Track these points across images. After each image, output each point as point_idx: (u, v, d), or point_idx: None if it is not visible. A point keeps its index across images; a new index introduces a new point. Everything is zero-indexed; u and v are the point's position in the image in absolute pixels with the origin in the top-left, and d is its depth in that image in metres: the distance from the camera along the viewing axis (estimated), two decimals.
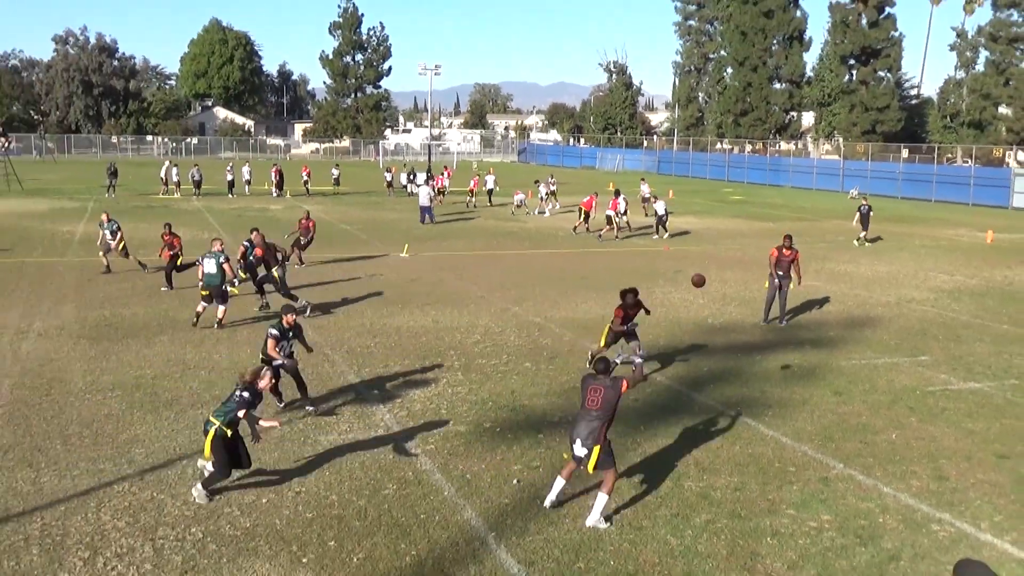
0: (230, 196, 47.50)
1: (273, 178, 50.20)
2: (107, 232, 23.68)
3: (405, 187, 51.98)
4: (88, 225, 34.17)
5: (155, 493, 9.75)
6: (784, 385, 14.33)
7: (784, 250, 18.66)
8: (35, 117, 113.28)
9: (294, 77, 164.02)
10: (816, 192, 64.35)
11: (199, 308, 17.71)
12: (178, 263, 21.46)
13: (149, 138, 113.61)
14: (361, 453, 11.03)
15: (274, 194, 49.13)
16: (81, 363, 14.79)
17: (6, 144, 57.19)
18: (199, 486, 9.60)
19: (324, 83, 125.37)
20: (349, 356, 15.57)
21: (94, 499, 9.56)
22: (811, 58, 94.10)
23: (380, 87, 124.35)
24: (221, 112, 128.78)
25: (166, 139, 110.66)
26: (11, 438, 11.30)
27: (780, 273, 18.68)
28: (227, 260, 17.61)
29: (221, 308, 17.42)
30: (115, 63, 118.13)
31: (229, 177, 49.16)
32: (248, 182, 51.27)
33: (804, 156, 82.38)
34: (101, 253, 23.83)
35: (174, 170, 50.16)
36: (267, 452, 10.88)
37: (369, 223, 37.18)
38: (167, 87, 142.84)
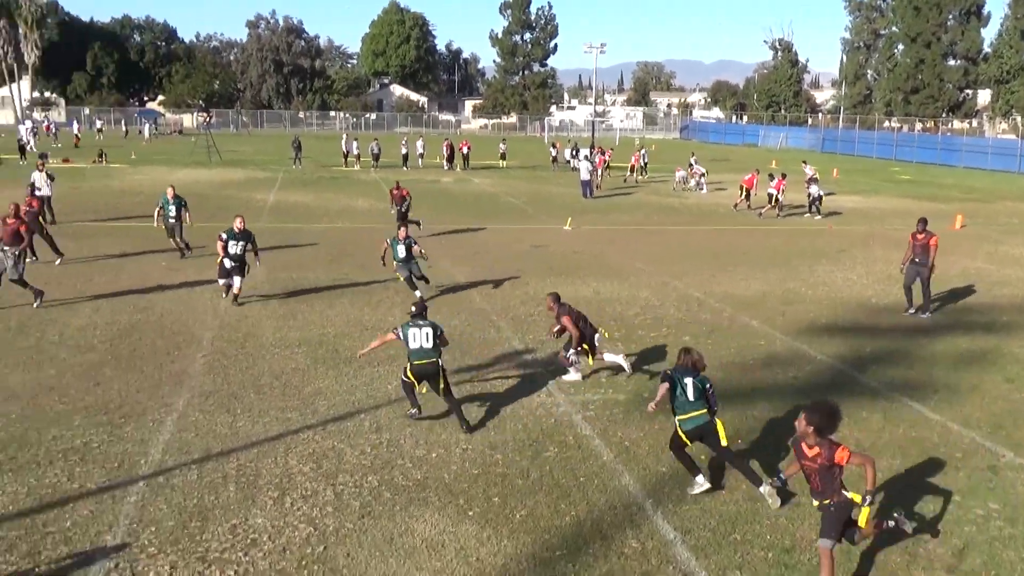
0: (404, 168, 48.83)
1: (444, 152, 51.32)
2: (172, 209, 21.24)
3: (568, 162, 52.02)
4: (279, 194, 35.88)
5: (336, 442, 10.19)
6: (952, 370, 13.57)
7: (918, 234, 16.92)
8: (233, 93, 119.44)
9: (464, 56, 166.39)
10: (990, 173, 60.31)
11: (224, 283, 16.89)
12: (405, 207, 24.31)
13: (332, 113, 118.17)
14: (524, 416, 11.18)
15: (445, 167, 50.19)
16: (271, 320, 15.59)
17: (208, 119, 60.49)
18: None
19: (493, 61, 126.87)
20: (514, 323, 15.77)
21: (282, 444, 10.09)
22: (989, 33, 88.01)
23: (547, 65, 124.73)
24: (397, 89, 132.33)
25: (347, 114, 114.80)
26: (211, 385, 12.06)
27: (917, 259, 16.91)
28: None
29: (238, 281, 16.71)
30: (302, 43, 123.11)
31: (404, 151, 50.67)
32: (421, 155, 52.55)
33: (978, 135, 77.26)
34: (170, 236, 21.50)
35: (354, 143, 51.97)
36: (436, 410, 11.18)
37: (534, 196, 37.42)
38: (348, 66, 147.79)
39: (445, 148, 51.42)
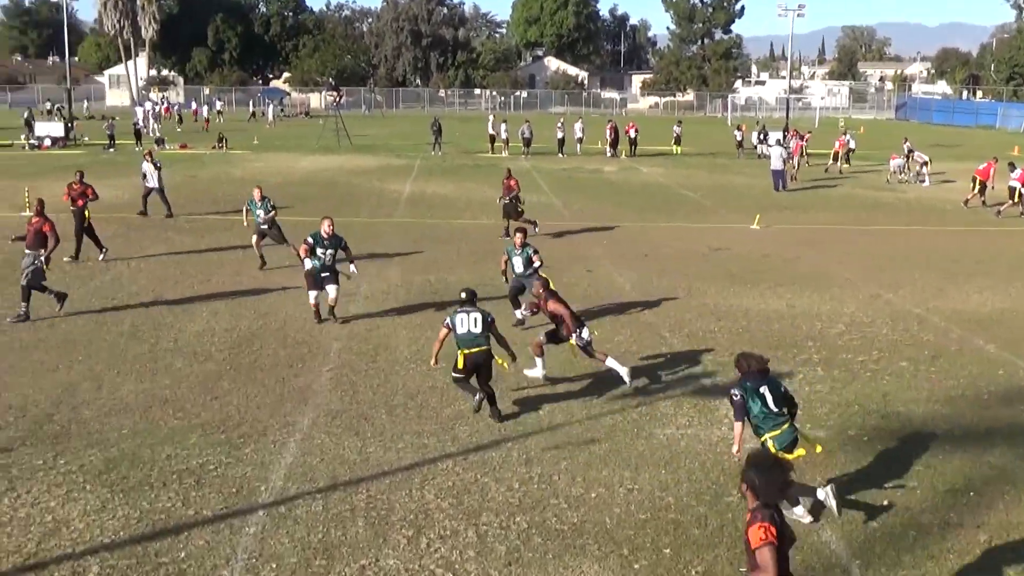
0: (560, 155, 49.13)
1: (608, 135, 51.24)
2: (260, 213, 21.09)
3: (756, 148, 51.10)
4: (416, 184, 36.79)
5: (479, 475, 10.32)
6: None
7: None
8: (365, 70, 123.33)
9: (632, 23, 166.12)
10: None
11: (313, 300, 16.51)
12: None
13: (477, 91, 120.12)
14: (702, 452, 11.02)
15: (608, 153, 50.17)
16: (406, 331, 15.95)
17: (338, 99, 62.61)
18: None
19: (667, 28, 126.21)
20: (689, 340, 15.59)
21: (418, 475, 10.29)
22: None
23: (731, 32, 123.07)
24: (552, 62, 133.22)
25: (494, 92, 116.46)
26: (339, 404, 12.45)
27: None
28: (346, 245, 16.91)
29: (334, 291, 16.39)
30: (444, 11, 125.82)
31: (560, 134, 50.81)
32: (580, 140, 52.64)
33: None
34: (254, 240, 21.08)
35: (502, 126, 52.57)
36: (596, 443, 11.15)
37: (714, 189, 36.95)
38: (496, 36, 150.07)
39: (609, 132, 51.38)
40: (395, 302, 17.90)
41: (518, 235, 16.95)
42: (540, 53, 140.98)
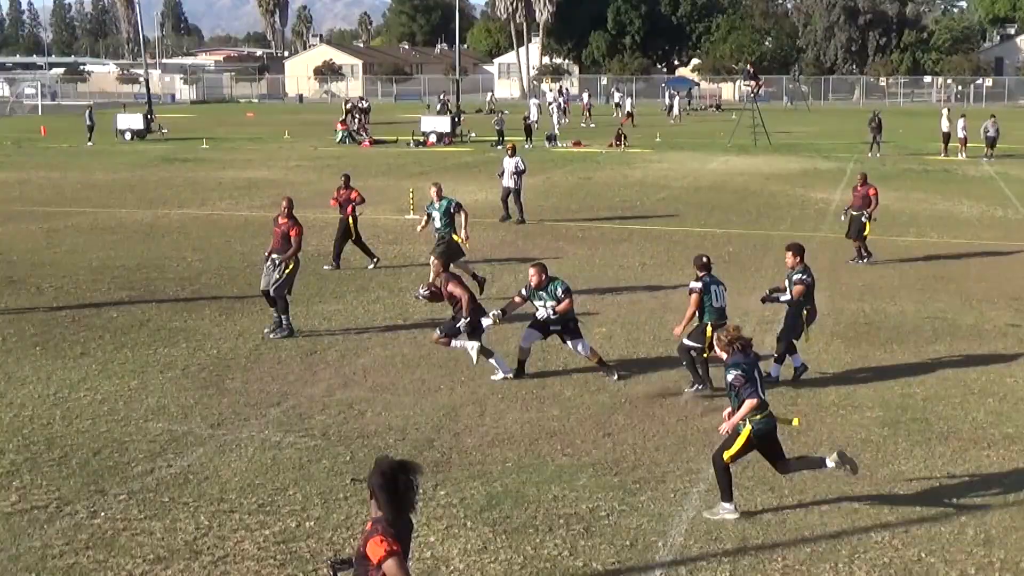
0: None
1: None
2: (437, 218, 21.12)
3: None
4: (846, 192, 35.94)
5: (923, 553, 9.86)
6: None
7: None
8: (789, 54, 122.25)
9: None
10: None
11: None
12: None
13: (927, 79, 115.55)
14: None
15: None
16: (832, 367, 15.62)
17: (756, 89, 62.52)
18: None
19: None
20: None
21: (846, 546, 9.99)
22: None
23: None
24: None
25: (949, 80, 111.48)
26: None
27: None
28: None
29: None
30: None
31: None
32: None
33: None
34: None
35: (960, 121, 50.21)
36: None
37: None
38: (955, 11, 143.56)
39: None
40: (822, 335, 17.39)
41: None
42: (1011, 32, 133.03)
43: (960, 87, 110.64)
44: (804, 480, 11.50)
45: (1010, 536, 10.21)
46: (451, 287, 15.10)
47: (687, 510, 10.79)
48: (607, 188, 37.37)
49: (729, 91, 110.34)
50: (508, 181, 28.84)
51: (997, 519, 10.60)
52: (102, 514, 10.48)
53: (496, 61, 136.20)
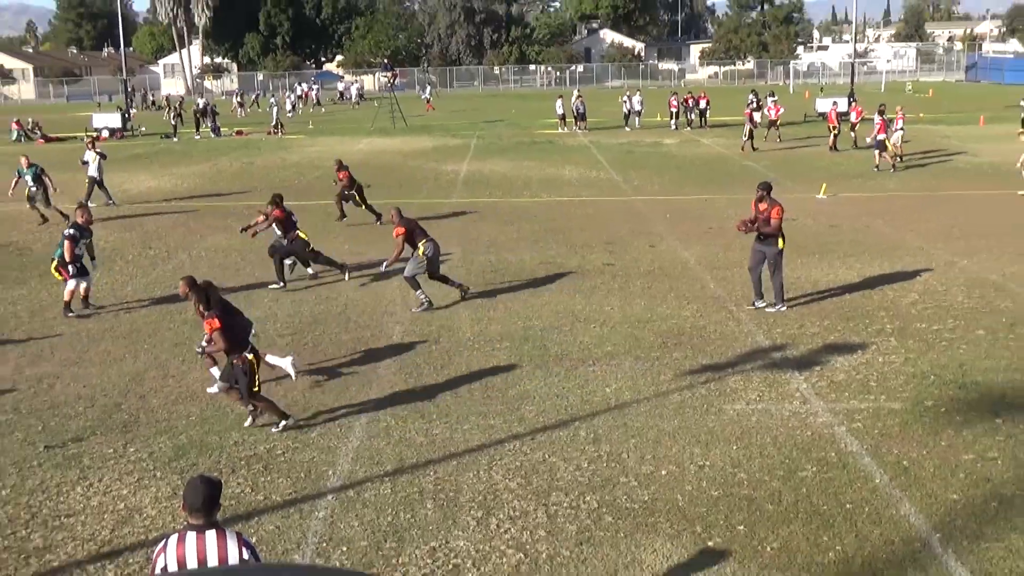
0: (626, 128, 49.40)
1: (677, 106, 51.18)
2: (28, 178, 24.35)
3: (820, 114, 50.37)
4: (472, 164, 36.81)
5: (547, 455, 10.36)
6: None
7: None
8: (418, 49, 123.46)
9: None
10: None
11: None
12: None
13: (532, 67, 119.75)
14: (773, 427, 10.94)
15: (671, 126, 49.85)
16: (468, 311, 16.03)
17: (392, 79, 62.81)
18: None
19: None
20: (757, 313, 15.46)
21: (485, 456, 10.36)
22: None
23: None
24: (608, 35, 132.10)
25: (549, 68, 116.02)
26: (403, 385, 12.55)
27: None
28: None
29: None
30: None
31: (625, 108, 51.29)
32: (638, 112, 52.30)
33: None
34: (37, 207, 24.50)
35: (558, 101, 52.39)
36: (665, 420, 11.14)
37: (779, 159, 36.48)
38: (551, 10, 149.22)
39: (681, 101, 51.42)
40: (464, 281, 17.84)
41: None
42: (596, 26, 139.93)
43: (558, 73, 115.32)
44: (448, 405, 11.81)
45: (613, 433, 10.87)
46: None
47: (352, 441, 10.83)
48: (268, 171, 36.55)
49: (370, 82, 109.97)
50: (93, 171, 28.03)
51: (602, 420, 11.26)
52: None
53: (161, 62, 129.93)
